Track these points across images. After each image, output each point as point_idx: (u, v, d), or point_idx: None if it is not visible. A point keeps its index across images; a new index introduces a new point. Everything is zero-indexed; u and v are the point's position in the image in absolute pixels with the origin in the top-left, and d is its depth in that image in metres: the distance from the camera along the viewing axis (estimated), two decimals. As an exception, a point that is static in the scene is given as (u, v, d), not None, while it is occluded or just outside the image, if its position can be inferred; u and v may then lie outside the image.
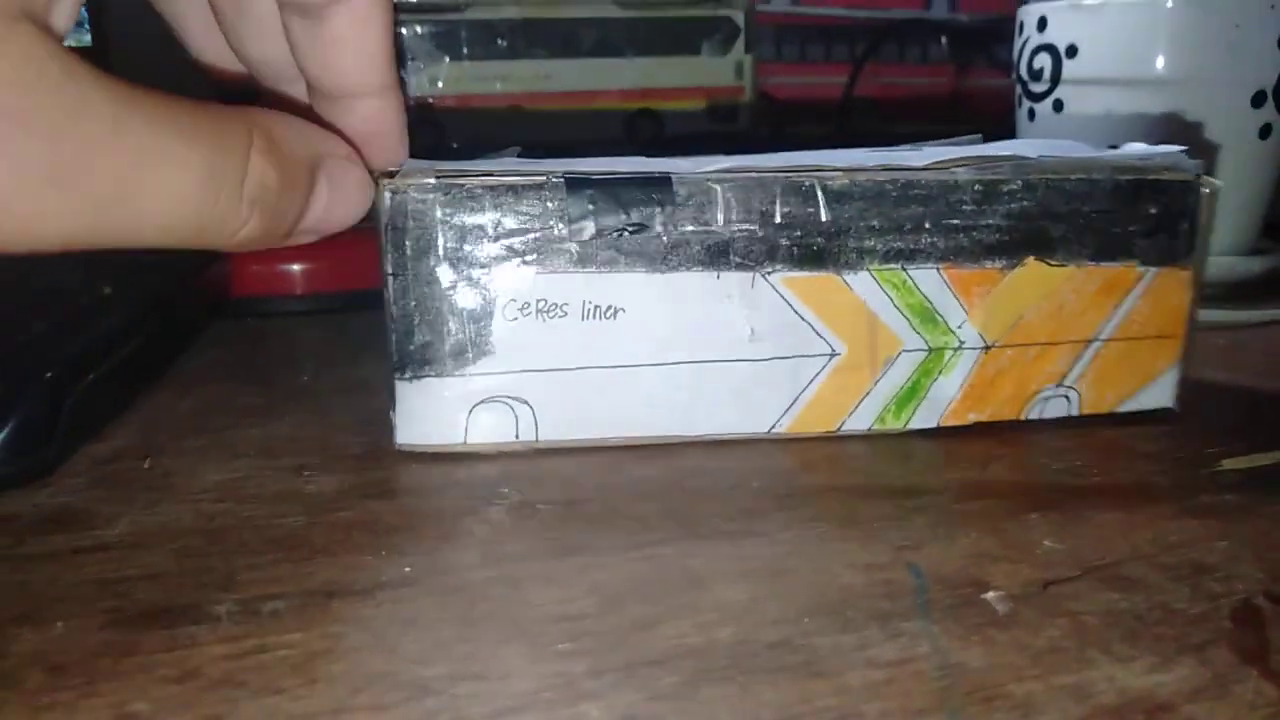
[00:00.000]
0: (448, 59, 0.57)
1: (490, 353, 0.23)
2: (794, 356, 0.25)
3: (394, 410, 0.24)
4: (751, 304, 0.24)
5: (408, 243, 0.22)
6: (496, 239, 0.23)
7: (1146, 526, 0.21)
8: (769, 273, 0.24)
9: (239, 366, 0.33)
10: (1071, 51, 0.45)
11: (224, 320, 0.39)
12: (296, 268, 0.40)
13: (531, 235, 0.23)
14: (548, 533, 0.20)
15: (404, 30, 0.56)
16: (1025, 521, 0.21)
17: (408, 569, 0.19)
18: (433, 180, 0.22)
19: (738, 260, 0.24)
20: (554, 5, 0.58)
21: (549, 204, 0.23)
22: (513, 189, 0.22)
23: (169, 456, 0.25)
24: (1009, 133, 0.52)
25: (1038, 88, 0.47)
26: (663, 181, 0.23)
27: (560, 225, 0.23)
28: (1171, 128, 0.43)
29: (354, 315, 0.40)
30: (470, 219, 0.22)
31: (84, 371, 0.25)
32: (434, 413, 0.24)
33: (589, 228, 0.23)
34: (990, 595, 0.18)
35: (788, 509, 0.22)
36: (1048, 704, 0.15)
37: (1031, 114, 0.48)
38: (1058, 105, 0.46)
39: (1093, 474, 0.24)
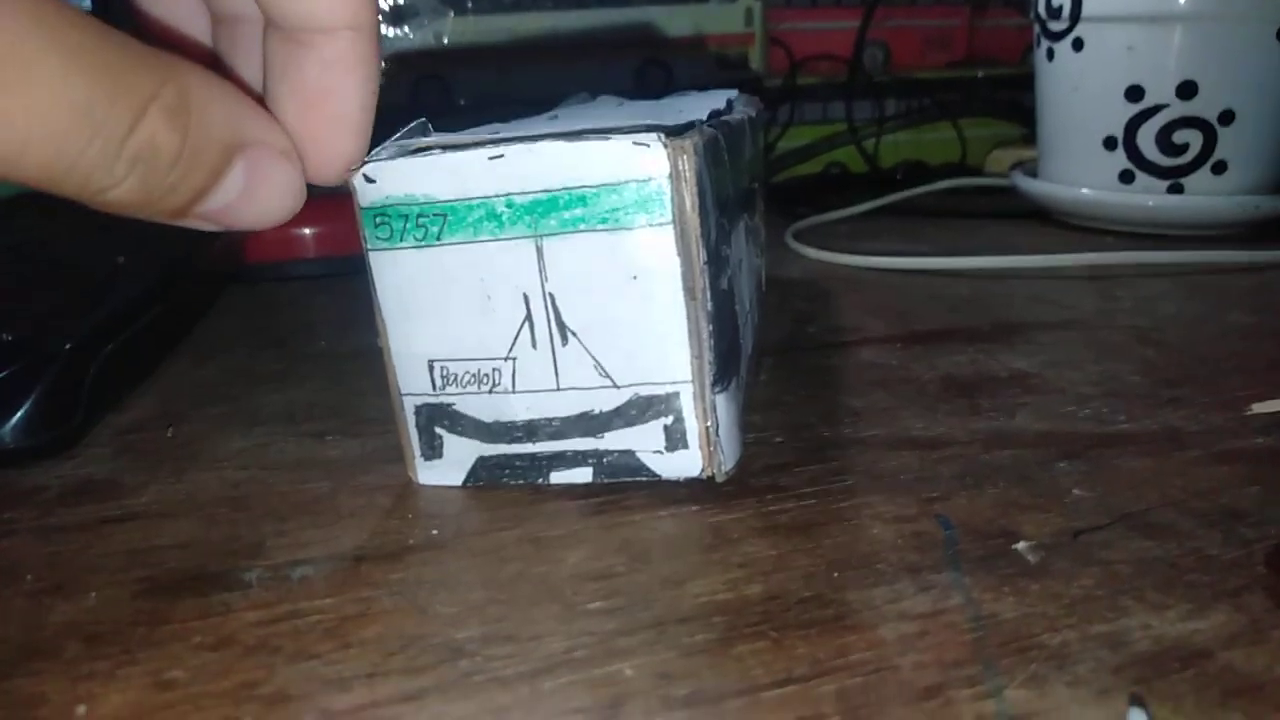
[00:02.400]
0: (452, 13, 0.56)
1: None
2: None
3: None
4: None
5: None
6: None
7: (1176, 473, 0.21)
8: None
9: (255, 332, 0.33)
10: (1092, -12, 0.43)
11: (238, 285, 0.39)
12: (309, 231, 0.40)
13: None
14: (574, 492, 0.20)
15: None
16: (1053, 470, 0.21)
17: (434, 532, 0.19)
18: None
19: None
20: (559, -45, 0.57)
21: None
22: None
23: (191, 424, 0.25)
24: (1028, 73, 0.50)
25: (1057, 26, 0.46)
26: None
27: None
28: (1194, 64, 0.42)
29: (362, 278, 0.40)
30: None
31: (103, 342, 0.25)
32: None
33: None
34: (1020, 545, 0.18)
35: (813, 463, 0.22)
36: (1083, 653, 0.15)
37: (1050, 53, 0.47)
38: (1077, 44, 0.45)
39: (1119, 420, 0.23)
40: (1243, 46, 0.41)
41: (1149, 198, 0.44)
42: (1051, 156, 0.49)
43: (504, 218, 0.19)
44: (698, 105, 0.25)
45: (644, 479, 0.20)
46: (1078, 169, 0.47)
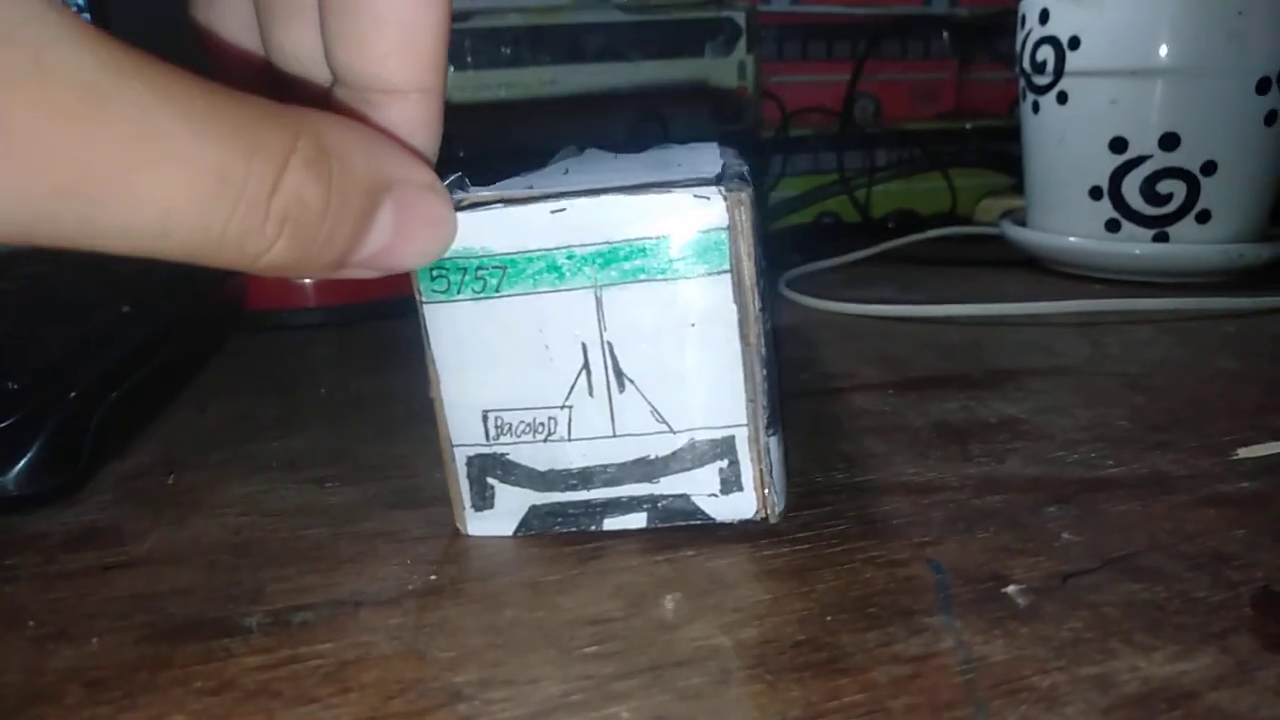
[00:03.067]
0: (452, 68, 0.57)
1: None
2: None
3: None
4: None
5: None
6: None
7: (1164, 516, 0.21)
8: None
9: (256, 379, 0.34)
10: (1074, 43, 0.45)
11: (240, 333, 0.39)
12: (308, 281, 0.40)
13: None
14: (571, 538, 0.21)
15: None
16: (1043, 515, 0.21)
17: (433, 577, 0.19)
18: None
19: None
20: (557, 12, 0.58)
21: None
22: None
23: (192, 471, 0.25)
24: (1015, 125, 0.52)
25: (1041, 80, 0.47)
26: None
27: None
28: (1176, 116, 0.43)
29: (362, 327, 0.40)
30: None
31: (107, 390, 0.25)
32: None
33: None
34: (1011, 589, 0.18)
35: (806, 508, 0.22)
36: (1072, 695, 0.15)
37: (1036, 106, 0.48)
38: (1061, 97, 0.46)
39: (1108, 465, 0.24)
40: (1223, 99, 0.43)
41: (1135, 246, 0.45)
42: (1039, 206, 0.50)
43: (564, 269, 0.19)
44: (691, 158, 0.25)
45: (698, 522, 0.21)
46: (1065, 218, 0.48)
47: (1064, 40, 0.45)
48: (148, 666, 0.16)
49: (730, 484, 0.20)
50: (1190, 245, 0.44)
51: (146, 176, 0.12)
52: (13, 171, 0.12)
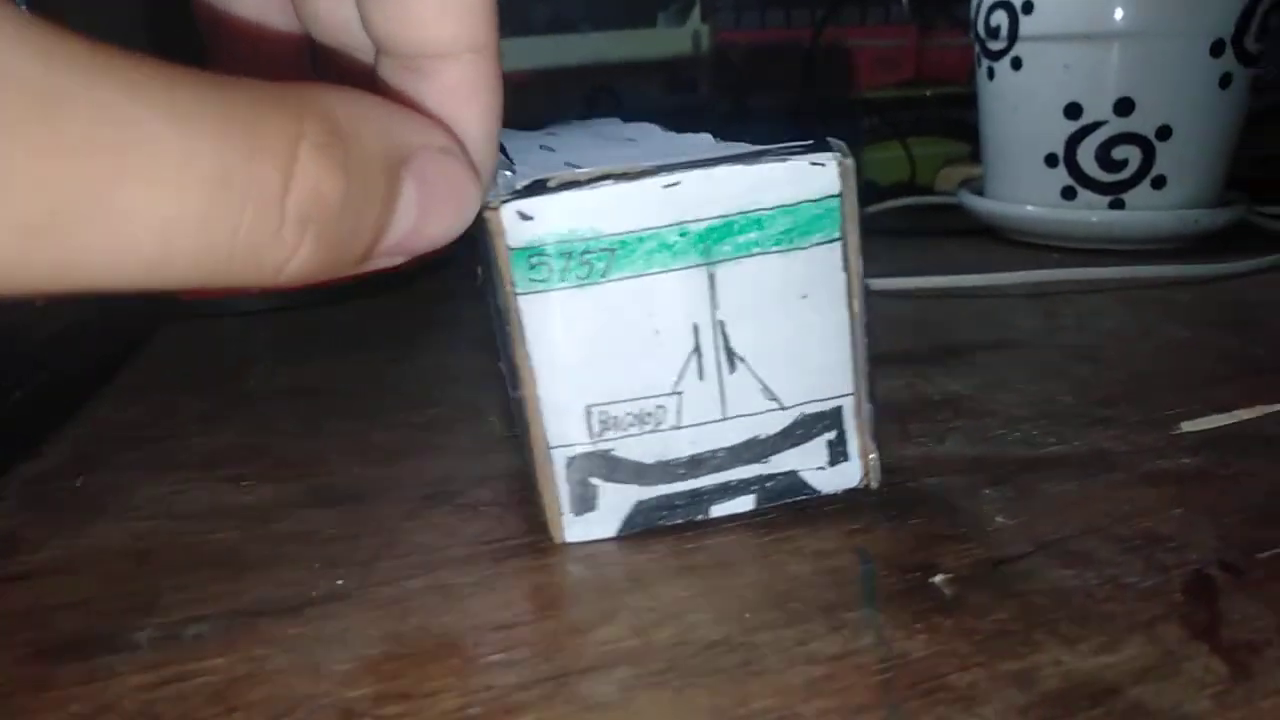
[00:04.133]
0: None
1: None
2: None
3: None
4: None
5: None
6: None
7: (1101, 497, 0.20)
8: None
9: (183, 372, 0.33)
10: (1028, 8, 0.44)
11: (175, 322, 0.38)
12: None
13: None
14: (490, 534, 0.20)
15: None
16: (979, 497, 0.21)
17: (340, 582, 0.18)
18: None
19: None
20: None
21: None
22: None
23: (104, 472, 0.24)
24: (975, 92, 0.51)
25: (995, 46, 0.46)
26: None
27: None
28: (1131, 81, 0.42)
29: (303, 313, 0.39)
30: None
31: (12, 389, 0.24)
32: None
33: None
34: (939, 579, 0.17)
35: (736, 497, 0.21)
36: (991, 693, 0.14)
37: (991, 73, 0.47)
38: (1016, 63, 0.45)
39: (1049, 443, 0.23)
40: (1177, 63, 0.42)
41: (1091, 213, 0.44)
42: (996, 174, 0.49)
43: (676, 247, 0.18)
44: (689, 143, 0.22)
45: (804, 498, 0.20)
46: (1021, 186, 0.47)
47: (1018, 4, 0.44)
48: (27, 688, 0.16)
49: (838, 455, 0.20)
50: (1146, 212, 0.44)
51: (130, 193, 0.10)
52: None
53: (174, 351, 0.35)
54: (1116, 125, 0.43)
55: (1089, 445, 0.23)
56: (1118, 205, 0.44)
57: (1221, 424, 0.24)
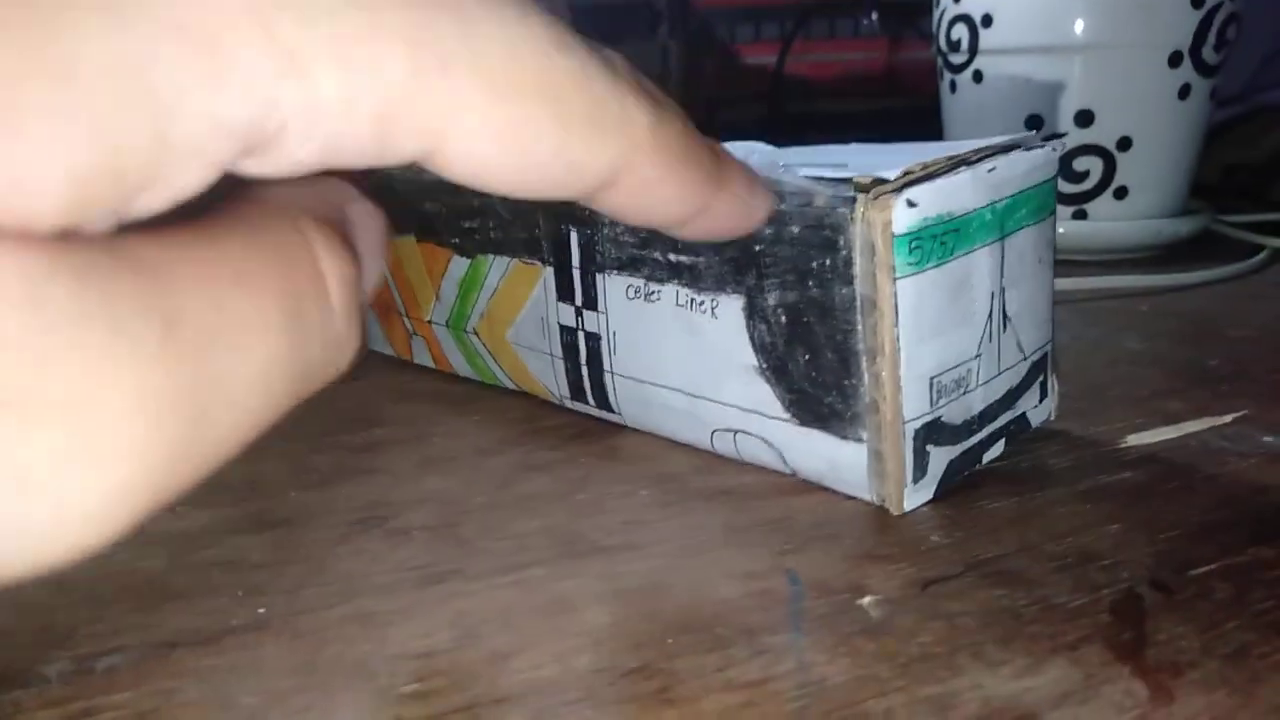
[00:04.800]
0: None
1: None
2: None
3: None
4: None
5: None
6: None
7: (1039, 513, 0.20)
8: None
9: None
10: (987, 21, 0.44)
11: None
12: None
13: None
14: (418, 560, 0.20)
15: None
16: (915, 515, 0.20)
17: (262, 610, 0.18)
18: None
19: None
20: None
21: None
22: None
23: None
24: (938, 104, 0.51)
25: (957, 59, 0.46)
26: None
27: None
28: (1090, 93, 0.42)
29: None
30: None
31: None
32: None
33: None
34: (866, 600, 0.17)
35: (673, 517, 0.21)
36: (907, 720, 0.14)
37: (953, 86, 0.47)
38: (977, 76, 0.45)
39: (991, 458, 0.23)
40: (1135, 75, 0.42)
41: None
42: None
43: (989, 225, 0.20)
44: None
45: (1024, 435, 0.23)
46: (986, 198, 0.47)
47: (977, 18, 0.44)
48: (-71, 726, 0.15)
49: (1044, 393, 0.24)
50: (1109, 222, 0.44)
51: (237, 367, 0.09)
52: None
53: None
54: (1077, 137, 0.43)
55: (1032, 461, 0.23)
56: (1081, 216, 0.44)
57: (1167, 438, 0.24)
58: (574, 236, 0.25)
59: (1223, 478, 0.21)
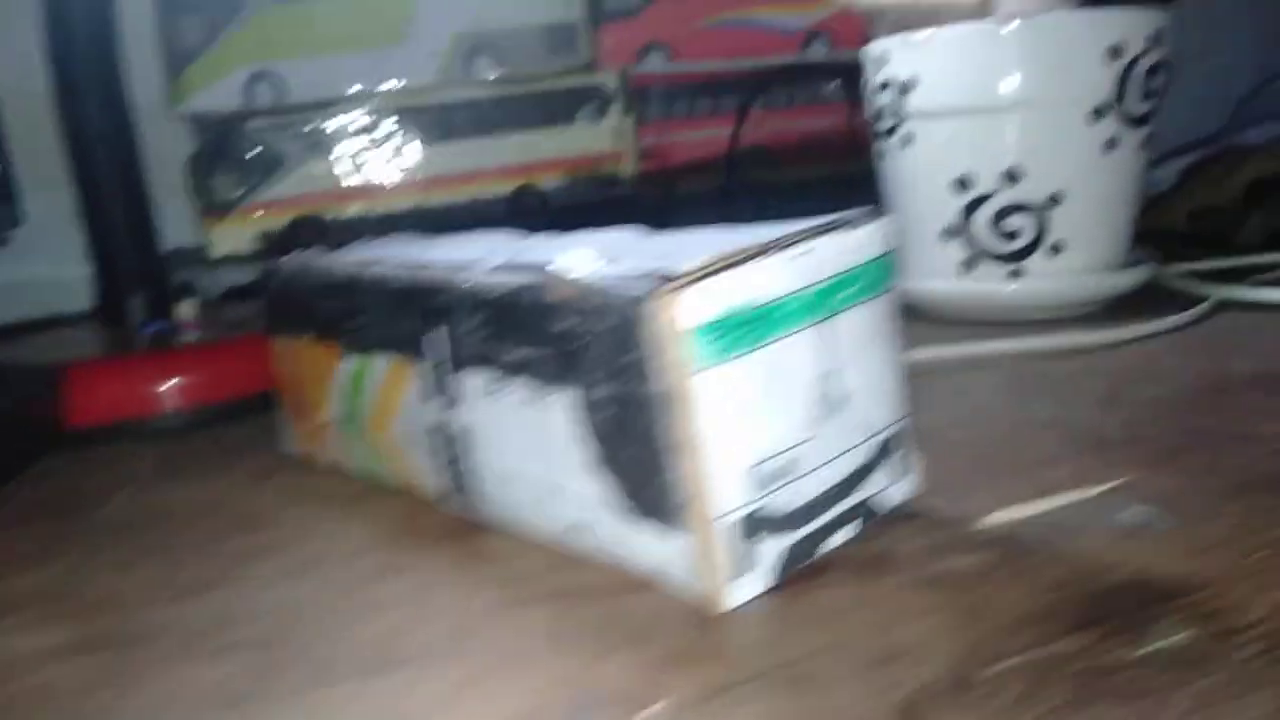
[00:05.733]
0: (315, 156, 0.57)
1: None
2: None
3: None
4: None
5: None
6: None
7: (866, 605, 0.20)
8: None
9: (42, 504, 0.33)
10: (911, 84, 0.44)
11: (63, 449, 0.38)
12: (123, 390, 0.39)
13: None
14: (227, 681, 0.19)
15: (269, 135, 0.57)
16: (739, 612, 0.20)
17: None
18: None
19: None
20: (422, 93, 0.58)
21: None
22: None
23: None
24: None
25: (884, 125, 0.46)
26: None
27: None
28: (1016, 150, 0.42)
29: (206, 431, 0.39)
30: None
31: None
32: None
33: None
34: (642, 715, 0.17)
35: (504, 623, 0.21)
36: None
37: (883, 152, 0.47)
38: (905, 140, 0.45)
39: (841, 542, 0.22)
40: (1058, 131, 0.42)
41: (989, 285, 0.44)
42: (904, 251, 0.49)
43: (808, 306, 0.20)
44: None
45: (881, 515, 0.23)
46: (924, 262, 0.46)
47: (901, 82, 0.44)
48: None
49: (902, 472, 0.23)
50: (1044, 280, 0.43)
51: None
52: None
53: (46, 484, 0.35)
54: (1007, 195, 0.43)
55: (883, 545, 0.22)
56: (1017, 275, 0.44)
57: (1028, 514, 0.23)
58: (435, 333, 0.25)
59: (1066, 559, 0.21)
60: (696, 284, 0.19)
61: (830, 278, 0.21)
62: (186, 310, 0.44)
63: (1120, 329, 0.38)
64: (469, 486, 0.26)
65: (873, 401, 0.22)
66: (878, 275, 0.22)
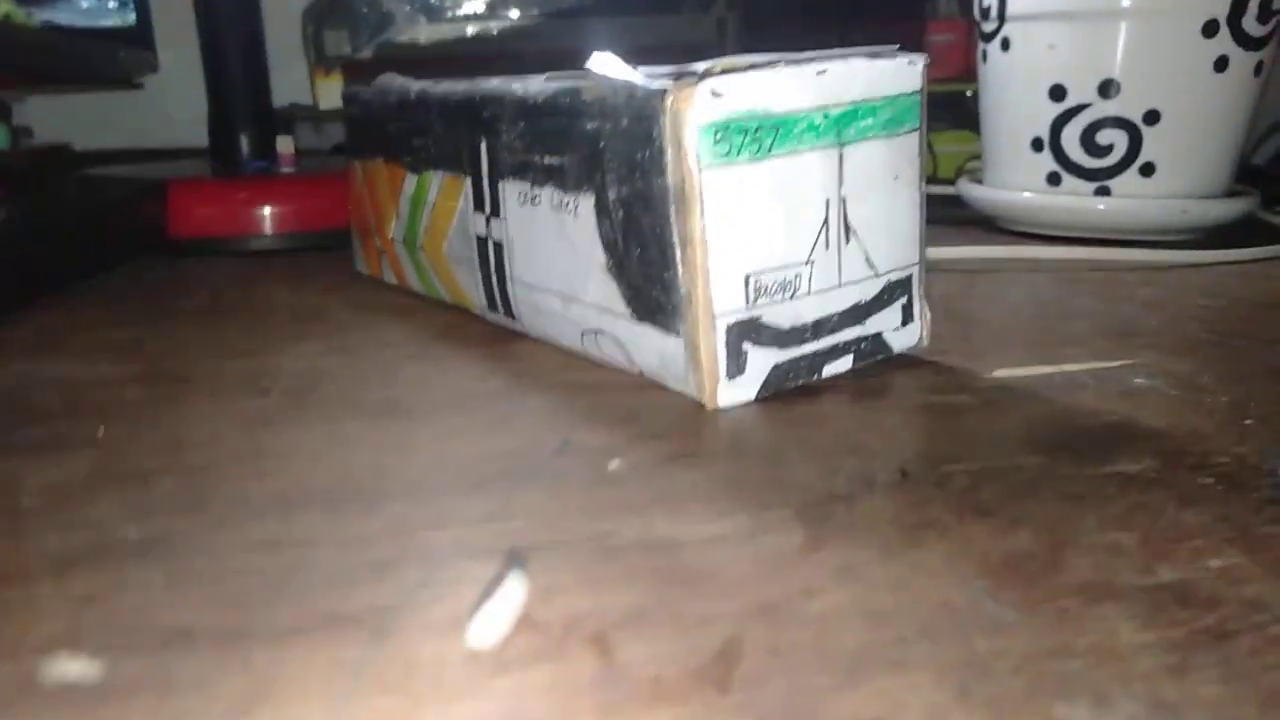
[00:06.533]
0: (424, 19, 0.59)
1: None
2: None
3: None
4: None
5: None
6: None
7: (847, 418, 0.20)
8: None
9: (135, 292, 0.36)
10: (1015, -15, 0.43)
11: (155, 255, 0.41)
12: (215, 208, 0.42)
13: None
14: (261, 412, 0.22)
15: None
16: (727, 412, 0.21)
17: (100, 431, 0.20)
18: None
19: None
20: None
21: None
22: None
23: None
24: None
25: (987, 27, 0.45)
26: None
27: None
28: (1116, 62, 0.41)
29: (306, 255, 0.42)
30: None
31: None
32: None
33: None
34: (615, 463, 0.18)
35: (506, 400, 0.22)
36: None
37: (985, 55, 0.46)
38: (1005, 44, 0.44)
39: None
40: (1165, 44, 0.40)
41: (1075, 200, 0.43)
42: (990, 161, 0.48)
43: (820, 129, 0.21)
44: None
45: (881, 358, 0.23)
46: (1010, 173, 0.45)
47: (1006, -18, 0.43)
48: None
49: (907, 317, 0.24)
50: (1131, 199, 0.42)
51: None
52: None
53: (147, 274, 0.38)
54: (1101, 108, 0.41)
55: (882, 380, 0.23)
56: (1103, 192, 0.42)
57: (1036, 373, 0.23)
58: (484, 145, 0.27)
59: (1055, 404, 0.21)
60: (708, 80, 0.19)
61: (847, 103, 0.21)
62: (283, 145, 0.47)
63: (1191, 253, 0.37)
64: (506, 297, 0.28)
65: (882, 240, 0.22)
66: (900, 113, 0.22)
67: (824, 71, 0.21)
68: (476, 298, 0.29)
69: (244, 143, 0.51)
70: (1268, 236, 0.42)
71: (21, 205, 0.33)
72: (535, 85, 0.25)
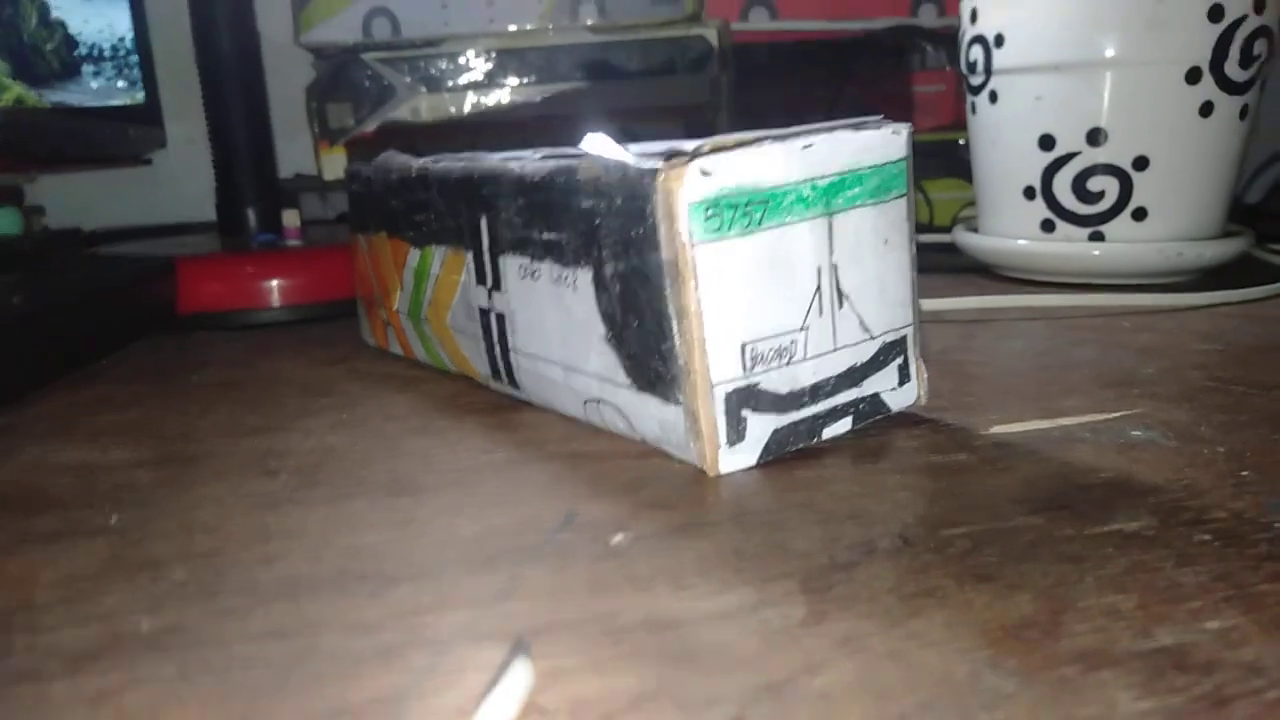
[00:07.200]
0: (424, 89, 0.60)
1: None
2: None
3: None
4: None
5: None
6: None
7: (847, 481, 0.21)
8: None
9: (146, 368, 0.36)
10: (999, 41, 0.44)
11: (168, 334, 0.42)
12: (224, 284, 0.43)
13: None
14: (269, 492, 0.22)
15: (382, 67, 0.60)
16: (729, 478, 0.21)
17: (115, 519, 0.21)
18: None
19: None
20: (528, 36, 0.61)
21: None
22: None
23: None
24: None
25: (975, 80, 0.46)
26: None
27: None
28: (1102, 111, 0.41)
29: (315, 326, 0.43)
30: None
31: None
32: None
33: None
34: (618, 537, 0.18)
35: (509, 472, 0.22)
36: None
37: (973, 107, 0.47)
38: (993, 96, 0.45)
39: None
40: (1150, 92, 0.41)
41: (1069, 246, 0.43)
42: (984, 210, 0.48)
43: (808, 200, 0.22)
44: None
45: (880, 417, 0.24)
46: (1004, 220, 0.46)
47: (990, 38, 0.44)
48: None
49: (904, 377, 0.24)
50: (1125, 244, 0.42)
51: None
52: None
53: (156, 351, 0.39)
54: (1091, 156, 0.42)
55: (881, 440, 0.23)
56: (1097, 238, 0.43)
57: (1033, 429, 0.23)
58: (484, 221, 0.27)
59: (1053, 461, 0.21)
60: (698, 160, 0.20)
61: (833, 174, 0.22)
62: (289, 219, 0.48)
63: (1189, 296, 0.38)
64: (508, 367, 0.28)
65: (875, 303, 0.23)
66: (887, 180, 0.23)
67: (810, 146, 0.21)
68: (480, 367, 0.30)
69: (251, 216, 0.52)
70: (1263, 275, 0.42)
71: (33, 290, 0.33)
72: (532, 164, 0.25)
